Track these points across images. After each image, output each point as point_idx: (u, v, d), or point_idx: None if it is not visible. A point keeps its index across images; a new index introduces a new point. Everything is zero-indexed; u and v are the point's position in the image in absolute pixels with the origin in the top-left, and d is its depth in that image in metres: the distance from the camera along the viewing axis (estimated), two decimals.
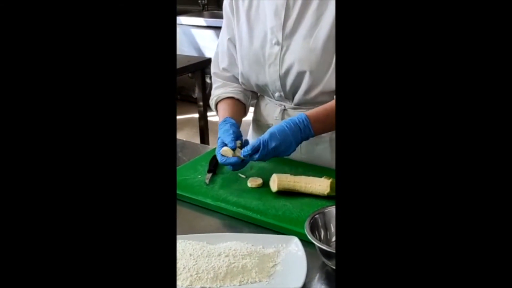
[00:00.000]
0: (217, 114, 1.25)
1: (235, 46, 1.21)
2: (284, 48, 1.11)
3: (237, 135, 1.09)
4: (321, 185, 0.99)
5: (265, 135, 1.01)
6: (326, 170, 1.10)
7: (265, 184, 1.05)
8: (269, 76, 1.15)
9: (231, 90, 1.24)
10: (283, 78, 1.14)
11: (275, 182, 1.01)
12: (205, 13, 3.97)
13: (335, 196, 0.60)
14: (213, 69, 1.29)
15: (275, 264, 0.81)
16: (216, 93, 1.26)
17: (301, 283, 0.75)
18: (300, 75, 1.11)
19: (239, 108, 1.24)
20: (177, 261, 0.78)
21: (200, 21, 3.65)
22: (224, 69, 1.26)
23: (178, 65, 2.81)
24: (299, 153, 1.16)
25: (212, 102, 1.27)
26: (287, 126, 1.02)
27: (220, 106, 1.24)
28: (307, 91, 1.11)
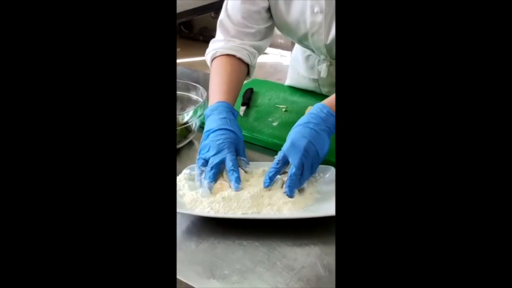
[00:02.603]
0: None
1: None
2: (330, 17, 0.98)
3: (236, 145, 0.83)
4: None
5: (286, 144, 0.80)
6: None
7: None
8: (313, 44, 1.06)
9: (232, 45, 1.01)
10: (329, 46, 1.04)
11: None
12: None
13: (335, 196, 0.60)
14: (222, 14, 1.05)
15: (312, 192, 0.82)
16: (214, 46, 1.03)
17: None
18: None
19: (240, 71, 1.02)
20: (217, 191, 0.80)
21: None
22: (234, 23, 1.03)
23: (200, 3, 2.74)
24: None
25: (207, 57, 1.04)
26: (307, 123, 0.81)
27: (215, 65, 1.00)
28: None
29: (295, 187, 0.79)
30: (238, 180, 0.79)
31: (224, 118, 0.86)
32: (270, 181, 0.80)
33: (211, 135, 0.84)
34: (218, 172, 0.81)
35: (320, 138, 0.80)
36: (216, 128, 0.84)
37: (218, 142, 0.82)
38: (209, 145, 0.83)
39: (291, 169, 0.78)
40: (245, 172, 0.83)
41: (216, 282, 0.66)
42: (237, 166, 0.81)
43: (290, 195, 0.79)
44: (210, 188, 0.80)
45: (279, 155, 0.80)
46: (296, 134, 0.80)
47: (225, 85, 0.94)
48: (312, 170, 0.80)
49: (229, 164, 0.80)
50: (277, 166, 0.80)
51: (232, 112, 0.89)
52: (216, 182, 0.81)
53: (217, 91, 0.93)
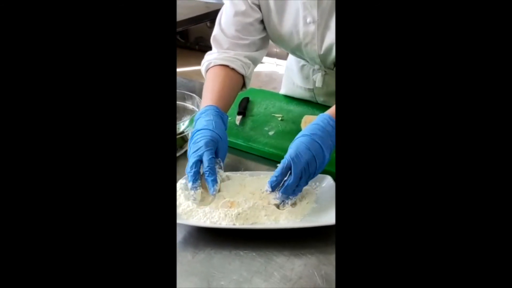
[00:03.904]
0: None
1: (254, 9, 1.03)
2: (322, 27, 0.99)
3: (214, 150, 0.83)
4: None
5: (291, 152, 0.79)
6: None
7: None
8: (307, 54, 1.06)
9: (226, 56, 1.02)
10: (323, 56, 1.04)
11: (307, 123, 1.01)
12: None
13: (335, 206, 0.60)
14: (215, 30, 1.05)
15: (309, 202, 0.82)
16: (208, 58, 1.04)
17: (335, 220, 0.76)
18: None
19: (234, 80, 1.02)
20: (216, 199, 0.80)
21: None
22: (227, 36, 1.03)
23: (196, 13, 2.74)
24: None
25: (202, 68, 1.05)
26: (313, 135, 0.80)
27: (208, 75, 1.02)
28: None
29: (288, 196, 0.79)
30: (214, 182, 0.80)
31: (210, 120, 0.86)
32: (272, 190, 0.79)
33: (194, 135, 0.85)
34: (198, 171, 0.81)
35: (322, 154, 0.79)
36: (199, 128, 0.85)
37: (198, 141, 0.83)
38: (190, 145, 0.84)
39: (290, 179, 0.78)
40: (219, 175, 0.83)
41: None
42: (213, 167, 0.80)
43: (280, 202, 0.79)
44: (196, 197, 0.79)
45: (284, 162, 0.78)
46: (301, 145, 0.79)
47: (217, 92, 0.95)
48: (305, 184, 0.80)
49: (205, 164, 0.80)
50: (282, 174, 0.78)
51: (221, 116, 0.89)
52: (199, 187, 0.80)
53: (208, 97, 0.94)
